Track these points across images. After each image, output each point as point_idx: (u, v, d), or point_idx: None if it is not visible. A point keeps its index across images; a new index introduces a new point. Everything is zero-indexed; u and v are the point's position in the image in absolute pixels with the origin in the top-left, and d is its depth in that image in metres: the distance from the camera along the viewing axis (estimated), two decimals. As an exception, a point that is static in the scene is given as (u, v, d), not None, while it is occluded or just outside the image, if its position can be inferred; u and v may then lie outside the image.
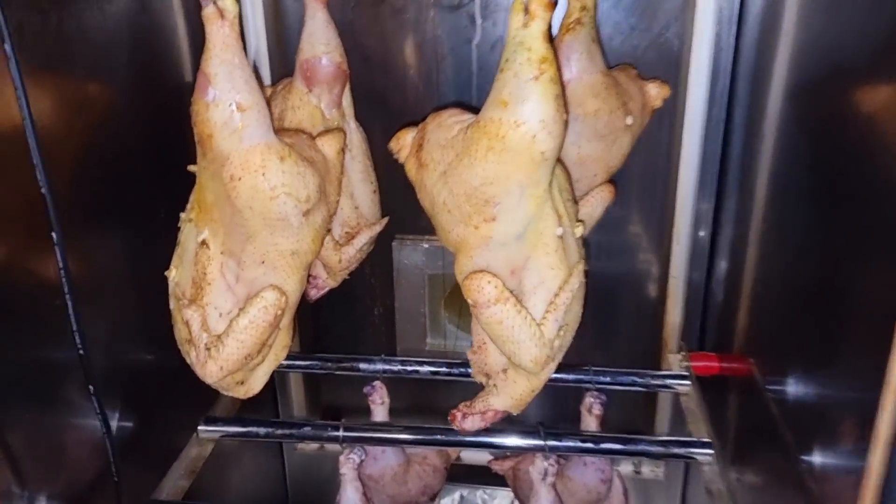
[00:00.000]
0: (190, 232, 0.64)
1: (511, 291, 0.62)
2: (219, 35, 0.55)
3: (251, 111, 0.56)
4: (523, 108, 0.55)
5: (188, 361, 0.64)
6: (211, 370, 0.61)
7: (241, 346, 0.61)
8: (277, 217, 0.59)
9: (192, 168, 0.62)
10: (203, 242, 0.61)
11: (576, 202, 0.68)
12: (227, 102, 0.56)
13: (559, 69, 0.56)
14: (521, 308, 0.62)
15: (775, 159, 0.79)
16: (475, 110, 0.63)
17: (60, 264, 0.55)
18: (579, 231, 0.65)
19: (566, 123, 0.57)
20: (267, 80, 0.91)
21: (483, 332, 0.68)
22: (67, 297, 0.56)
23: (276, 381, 1.14)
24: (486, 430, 0.77)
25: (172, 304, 0.65)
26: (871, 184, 0.54)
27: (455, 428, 0.75)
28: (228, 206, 0.59)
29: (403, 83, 0.94)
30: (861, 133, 0.57)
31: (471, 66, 0.92)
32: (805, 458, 0.63)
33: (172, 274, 0.65)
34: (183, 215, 0.65)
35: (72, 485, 0.64)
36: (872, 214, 0.53)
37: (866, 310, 0.53)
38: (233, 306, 0.62)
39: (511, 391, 0.71)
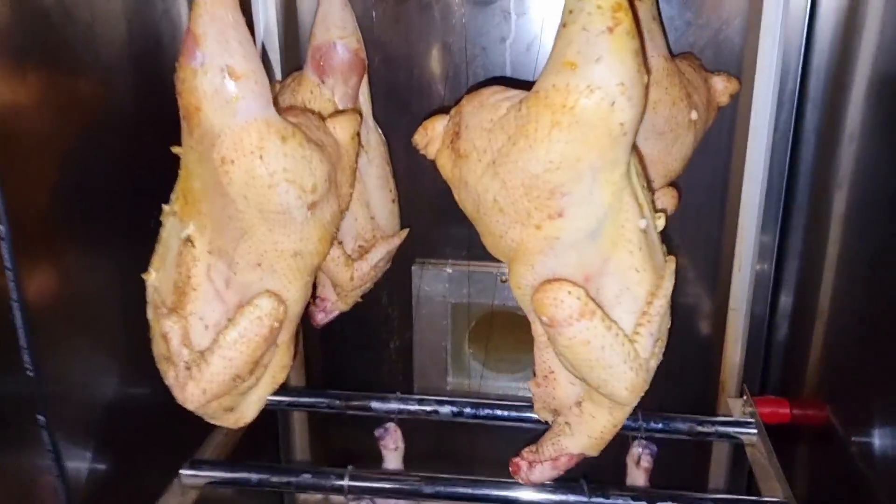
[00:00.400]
0: (173, 227, 0.54)
1: (596, 302, 0.52)
2: (209, -13, 0.46)
3: (247, 79, 0.47)
4: (597, 69, 0.45)
5: (167, 383, 0.53)
6: (192, 393, 0.50)
7: (228, 365, 0.50)
8: (277, 209, 0.49)
9: (176, 150, 0.53)
10: (188, 239, 0.51)
11: (651, 189, 0.57)
12: (218, 67, 0.46)
13: (636, 18, 0.45)
14: (610, 323, 0.51)
15: (857, 171, 0.71)
16: (521, 85, 0.53)
17: (8, 265, 0.45)
18: (661, 223, 0.55)
19: (647, 88, 0.47)
20: (277, 76, 0.84)
21: (549, 359, 0.58)
22: (16, 308, 0.46)
23: (279, 420, 1.06)
24: (512, 483, 0.66)
25: (150, 314, 0.55)
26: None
27: (520, 481, 0.64)
28: (219, 195, 0.49)
29: (429, 85, 0.88)
30: None
31: (504, 67, 0.85)
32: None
33: (151, 277, 0.55)
34: (166, 207, 0.55)
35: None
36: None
37: None
38: (221, 316, 0.52)
39: (589, 429, 0.60)
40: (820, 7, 0.77)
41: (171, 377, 0.52)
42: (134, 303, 0.62)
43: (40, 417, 0.49)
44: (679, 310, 0.91)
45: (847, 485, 0.68)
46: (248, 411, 0.59)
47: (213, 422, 0.59)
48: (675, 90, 0.63)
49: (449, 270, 0.93)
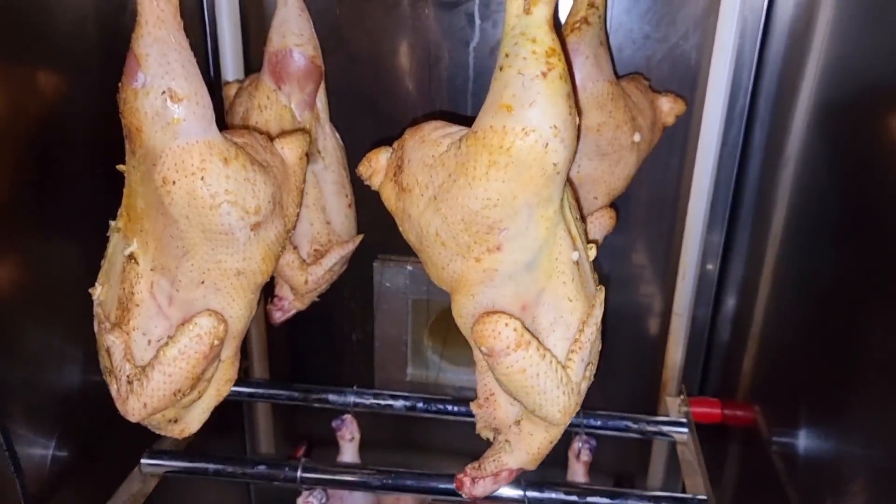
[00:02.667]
0: (118, 244, 0.55)
1: (531, 333, 0.54)
2: (151, 8, 0.46)
3: (189, 101, 0.47)
4: (531, 113, 0.47)
5: (112, 394, 0.55)
6: (133, 407, 0.52)
7: (168, 381, 0.52)
8: (219, 230, 0.50)
9: (120, 168, 0.53)
10: (131, 256, 0.52)
11: (584, 220, 0.60)
12: (159, 89, 0.47)
13: (569, 63, 0.47)
14: (545, 352, 0.53)
15: (796, 189, 0.73)
16: (461, 121, 0.55)
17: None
18: (593, 253, 0.57)
19: (579, 129, 0.48)
20: (241, 75, 0.84)
21: (490, 382, 0.60)
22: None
23: (245, 410, 1.08)
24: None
25: (95, 327, 0.56)
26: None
27: (464, 496, 0.66)
28: (161, 214, 0.50)
29: (393, 87, 0.88)
30: (892, 163, 0.51)
31: (467, 70, 0.86)
32: (811, 518, 0.59)
33: (97, 292, 0.56)
34: (112, 223, 0.56)
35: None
36: None
37: (886, 360, 0.49)
38: (164, 332, 0.53)
39: (527, 446, 0.62)
40: (773, 29, 0.79)
41: (113, 390, 0.53)
42: (88, 299, 0.62)
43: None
44: (631, 311, 0.96)
45: (767, 483, 0.71)
46: (192, 423, 0.60)
47: (158, 432, 0.60)
48: (620, 113, 0.65)
49: (409, 268, 0.94)
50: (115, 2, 0.70)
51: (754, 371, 0.81)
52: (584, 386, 0.58)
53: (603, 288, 0.58)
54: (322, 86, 0.73)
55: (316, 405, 0.87)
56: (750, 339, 0.83)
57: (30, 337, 0.61)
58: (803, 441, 0.63)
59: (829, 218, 0.63)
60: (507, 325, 0.52)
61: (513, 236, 0.51)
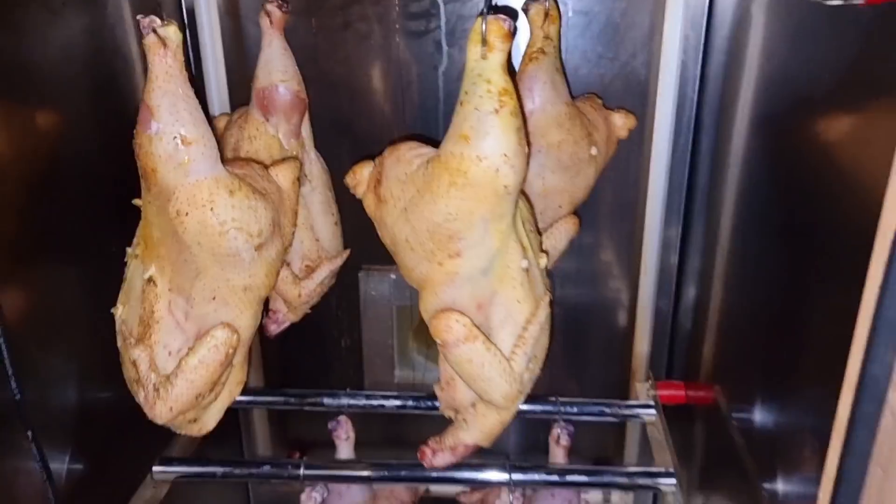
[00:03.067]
0: (136, 268, 0.61)
1: (479, 328, 0.61)
2: (161, 65, 0.52)
3: (197, 144, 0.54)
4: (485, 143, 0.54)
5: (138, 401, 0.61)
6: (160, 411, 0.58)
7: (191, 386, 0.58)
8: (228, 253, 0.57)
9: (136, 202, 0.60)
10: (150, 280, 0.59)
11: (539, 232, 0.67)
12: (170, 135, 0.54)
13: (520, 101, 0.55)
14: (490, 345, 0.61)
15: (740, 189, 0.79)
16: (434, 142, 0.62)
17: (-6, 305, 0.52)
18: (543, 262, 0.65)
19: (528, 156, 0.56)
20: (226, 108, 0.89)
21: (450, 369, 0.67)
22: (1, 339, 0.53)
23: (241, 418, 1.11)
24: (453, 465, 0.75)
25: (120, 343, 0.62)
26: (829, 216, 0.54)
27: (425, 465, 0.73)
28: (176, 242, 0.57)
29: (369, 110, 0.93)
30: (822, 165, 0.57)
31: (437, 92, 0.91)
32: (766, 485, 0.63)
33: (119, 311, 0.62)
34: (129, 250, 0.62)
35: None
36: (829, 247, 0.53)
37: (822, 341, 0.53)
38: (182, 344, 0.60)
39: (481, 425, 0.70)
40: (713, 47, 0.85)
41: (141, 398, 0.60)
42: (96, 320, 0.68)
43: (29, 433, 0.56)
44: (600, 306, 1.02)
45: (727, 455, 0.77)
46: (209, 421, 0.67)
47: (179, 432, 0.66)
48: (577, 130, 0.72)
49: (392, 276, 0.98)
50: (108, 46, 0.75)
51: (714, 355, 0.87)
52: (528, 377, 0.65)
53: (550, 293, 0.65)
54: (306, 116, 0.79)
55: (311, 409, 0.90)
56: (709, 326, 0.88)
57: (45, 357, 0.66)
58: (758, 416, 0.68)
59: (770, 214, 0.69)
60: (457, 321, 0.59)
61: (470, 245, 0.59)
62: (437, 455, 0.72)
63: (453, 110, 0.90)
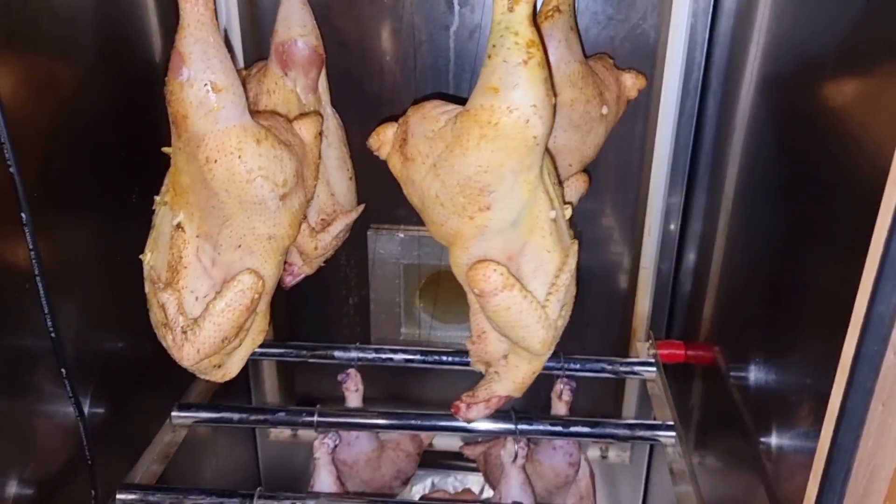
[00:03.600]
0: (165, 215, 0.63)
1: (515, 277, 0.63)
2: (193, 12, 0.53)
3: (227, 92, 0.55)
4: (514, 94, 0.56)
5: (165, 345, 0.64)
6: (188, 353, 0.61)
7: (218, 330, 0.60)
8: (254, 201, 0.59)
9: (166, 150, 0.61)
10: (178, 226, 0.60)
11: (561, 184, 0.69)
12: (201, 82, 0.55)
13: (546, 52, 0.56)
14: (526, 293, 0.63)
15: (744, 153, 0.80)
16: (455, 100, 0.63)
17: (31, 246, 0.54)
18: (568, 213, 0.66)
19: (555, 107, 0.58)
20: (240, 63, 0.90)
21: (482, 321, 0.69)
22: (38, 280, 0.55)
23: (250, 369, 1.13)
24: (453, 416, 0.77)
25: (148, 288, 0.64)
26: (833, 179, 0.55)
27: (459, 419, 0.76)
28: (204, 188, 0.58)
29: (380, 69, 0.93)
30: (826, 128, 0.58)
31: (448, 52, 0.92)
32: (763, 440, 0.66)
33: (147, 258, 0.64)
34: (157, 198, 0.64)
35: (45, 469, 0.64)
36: (832, 209, 0.55)
37: (824, 300, 0.55)
38: (209, 290, 0.62)
39: (513, 376, 0.72)
40: (721, 9, 0.85)
41: (169, 340, 0.62)
42: (124, 270, 0.70)
43: (63, 371, 0.59)
44: (603, 267, 1.05)
45: (726, 411, 0.79)
46: (232, 367, 0.70)
47: (203, 377, 0.69)
48: (589, 90, 0.74)
49: (401, 235, 1.00)
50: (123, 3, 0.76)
51: (713, 316, 0.89)
52: (560, 324, 0.67)
53: (577, 241, 0.67)
54: (323, 71, 0.80)
55: (322, 361, 0.92)
56: (709, 288, 0.91)
57: (71, 302, 0.67)
58: (756, 374, 0.70)
59: (774, 178, 0.70)
60: (495, 270, 0.61)
61: (500, 198, 0.60)
62: (472, 408, 0.74)
63: (464, 70, 0.93)
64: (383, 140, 0.67)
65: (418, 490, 1.23)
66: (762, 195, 0.74)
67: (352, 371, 0.94)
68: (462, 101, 0.61)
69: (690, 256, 1.00)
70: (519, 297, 0.62)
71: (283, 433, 1.18)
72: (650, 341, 0.98)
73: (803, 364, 0.58)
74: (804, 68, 0.64)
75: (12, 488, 0.59)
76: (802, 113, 0.64)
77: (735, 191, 0.83)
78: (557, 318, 0.66)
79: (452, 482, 1.25)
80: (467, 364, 0.89)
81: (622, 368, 0.94)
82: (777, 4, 0.73)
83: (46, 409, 0.63)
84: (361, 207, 0.87)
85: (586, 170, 0.81)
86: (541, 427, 0.82)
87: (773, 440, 0.64)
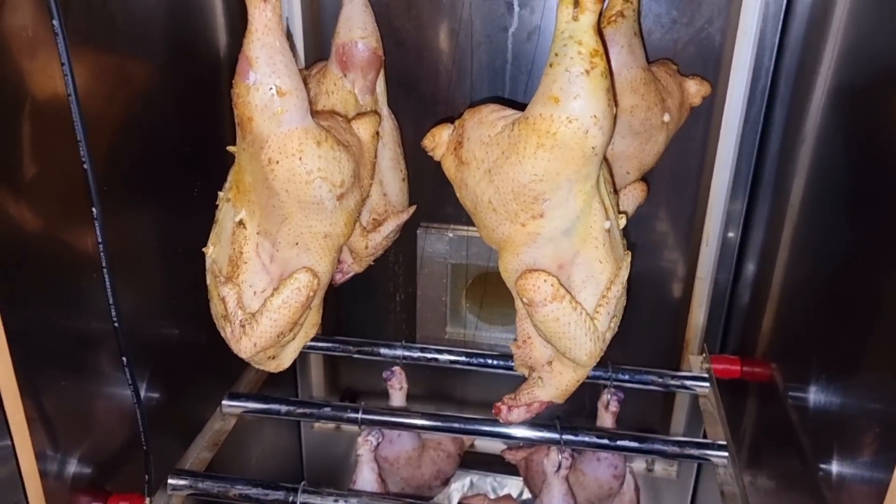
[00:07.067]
0: (228, 211, 0.65)
1: (565, 288, 0.62)
2: (261, 18, 0.55)
3: (290, 96, 0.57)
4: (575, 104, 0.55)
5: (223, 336, 0.66)
6: (245, 346, 0.62)
7: (274, 325, 0.62)
8: (312, 201, 0.60)
9: (231, 149, 0.63)
10: (240, 222, 0.62)
11: (617, 192, 0.68)
12: (267, 86, 0.56)
13: (609, 62, 0.55)
14: (576, 304, 0.62)
15: (813, 163, 0.78)
16: (512, 104, 0.63)
17: (99, 238, 0.56)
18: (623, 222, 0.65)
19: (615, 117, 0.57)
20: (301, 62, 0.91)
21: (527, 327, 0.69)
22: (104, 270, 0.57)
23: (298, 362, 1.12)
24: (497, 421, 0.77)
25: (209, 281, 0.67)
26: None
27: (500, 420, 0.75)
28: (266, 188, 0.60)
29: (437, 69, 0.94)
30: None
31: (506, 54, 0.91)
32: (822, 466, 0.63)
33: (210, 251, 0.66)
34: (221, 194, 0.66)
35: (103, 450, 0.66)
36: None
37: (894, 322, 0.52)
38: (267, 285, 0.63)
39: (557, 382, 0.72)
40: (794, 14, 0.83)
41: (227, 332, 0.64)
42: (183, 261, 0.72)
43: (124, 359, 0.61)
44: (656, 276, 1.02)
45: (781, 432, 0.77)
46: (286, 359, 0.71)
47: (258, 367, 0.71)
48: (651, 96, 0.72)
49: (450, 235, 1.01)
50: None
51: (772, 331, 0.86)
52: (609, 336, 0.66)
53: (630, 253, 0.66)
54: (381, 73, 0.80)
55: (368, 358, 0.93)
56: (769, 302, 0.88)
57: (141, 302, 0.70)
58: (816, 395, 0.68)
59: (843, 191, 0.68)
60: (545, 280, 0.60)
61: (554, 206, 0.60)
62: (513, 411, 0.74)
63: (521, 73, 0.92)
64: (438, 142, 0.67)
65: (456, 488, 1.23)
66: (831, 207, 0.71)
67: (396, 369, 0.95)
68: (518, 105, 0.61)
69: (750, 267, 0.97)
70: (568, 308, 0.61)
71: (327, 425, 1.20)
72: (704, 355, 0.95)
73: (871, 387, 0.56)
74: (880, 77, 0.62)
75: (72, 467, 0.62)
76: (879, 123, 0.61)
77: (801, 200, 0.81)
78: (606, 331, 0.65)
79: (491, 482, 1.25)
80: (512, 368, 0.88)
81: (672, 382, 0.91)
82: (855, 9, 0.70)
83: (106, 394, 0.66)
84: (413, 208, 0.88)
85: (644, 178, 0.79)
86: (586, 439, 0.80)
87: (835, 467, 0.61)
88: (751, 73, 0.84)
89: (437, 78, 0.94)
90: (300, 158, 0.58)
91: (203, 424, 0.84)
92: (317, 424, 1.21)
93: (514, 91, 0.93)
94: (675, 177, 0.95)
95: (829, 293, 0.69)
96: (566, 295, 0.61)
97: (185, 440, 0.82)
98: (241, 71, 0.56)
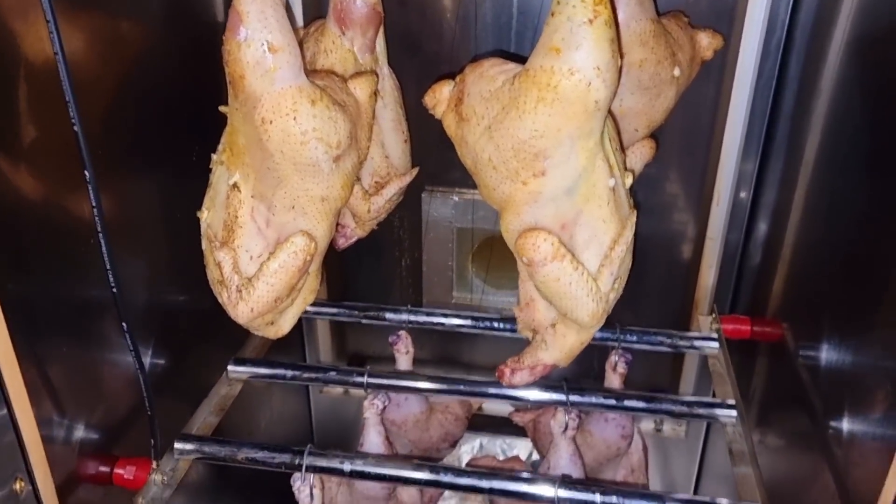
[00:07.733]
0: (221, 174, 0.63)
1: (566, 247, 0.61)
2: (251, -30, 0.52)
3: (283, 52, 0.55)
4: (577, 55, 0.52)
5: (220, 301, 0.65)
6: (242, 311, 0.62)
7: (271, 290, 0.61)
8: (308, 162, 0.58)
9: (223, 109, 0.61)
10: (234, 186, 0.61)
11: (623, 150, 0.65)
12: (258, 42, 0.54)
13: (614, 10, 0.52)
14: (577, 264, 0.61)
15: (829, 120, 0.75)
16: (516, 59, 0.60)
17: (93, 203, 0.55)
18: (629, 181, 0.63)
19: (620, 69, 0.54)
20: (298, 21, 0.88)
21: (530, 289, 0.68)
22: (100, 235, 0.56)
23: (304, 327, 1.16)
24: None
25: (205, 245, 0.66)
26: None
27: (504, 383, 0.75)
28: (259, 149, 0.58)
29: (440, 27, 0.91)
30: None
31: (511, 9, 0.89)
32: (833, 424, 0.63)
33: (204, 216, 0.65)
34: (214, 156, 0.64)
35: (108, 416, 0.67)
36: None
37: None
38: (263, 250, 0.62)
39: (560, 345, 0.71)
40: None
41: (224, 297, 0.63)
42: (184, 226, 0.71)
43: (124, 325, 0.61)
44: (665, 235, 1.01)
45: (791, 391, 0.77)
46: (285, 325, 0.71)
47: (256, 333, 0.70)
48: (661, 50, 0.69)
49: (455, 198, 0.99)
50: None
51: (784, 291, 0.85)
52: (613, 297, 0.64)
53: (635, 211, 0.64)
54: (381, 31, 0.78)
55: (374, 322, 0.93)
56: (780, 262, 0.87)
57: (140, 267, 0.70)
58: (827, 354, 0.68)
59: (862, 147, 0.66)
60: (545, 239, 0.59)
61: (556, 164, 0.58)
62: (516, 374, 0.73)
63: (527, 29, 0.89)
64: (439, 98, 0.64)
65: (466, 450, 1.24)
66: (847, 165, 0.69)
67: (403, 333, 0.94)
68: (524, 60, 0.58)
69: (762, 227, 0.95)
70: (569, 268, 0.59)
71: (335, 389, 1.21)
72: (713, 315, 0.94)
73: (883, 345, 0.55)
74: (901, 31, 0.59)
75: (80, 432, 0.62)
76: (896, 79, 0.59)
77: (816, 159, 0.79)
78: (609, 292, 0.63)
79: (501, 444, 1.26)
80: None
81: (682, 342, 0.90)
82: (874, -43, 0.67)
83: (110, 360, 0.66)
84: (416, 171, 0.86)
85: (653, 135, 0.77)
86: (593, 399, 0.80)
87: (845, 425, 0.61)
88: (765, 25, 0.80)
89: (440, 35, 0.91)
90: (294, 118, 0.56)
91: (210, 390, 0.85)
92: (325, 389, 1.22)
93: (519, 47, 0.91)
94: (686, 134, 0.92)
95: (843, 252, 0.67)
96: (567, 254, 0.59)
97: (192, 405, 0.83)
98: (232, 26, 0.54)
